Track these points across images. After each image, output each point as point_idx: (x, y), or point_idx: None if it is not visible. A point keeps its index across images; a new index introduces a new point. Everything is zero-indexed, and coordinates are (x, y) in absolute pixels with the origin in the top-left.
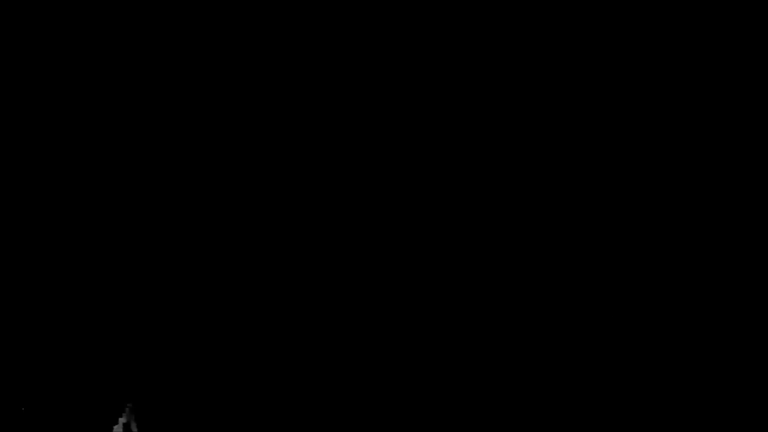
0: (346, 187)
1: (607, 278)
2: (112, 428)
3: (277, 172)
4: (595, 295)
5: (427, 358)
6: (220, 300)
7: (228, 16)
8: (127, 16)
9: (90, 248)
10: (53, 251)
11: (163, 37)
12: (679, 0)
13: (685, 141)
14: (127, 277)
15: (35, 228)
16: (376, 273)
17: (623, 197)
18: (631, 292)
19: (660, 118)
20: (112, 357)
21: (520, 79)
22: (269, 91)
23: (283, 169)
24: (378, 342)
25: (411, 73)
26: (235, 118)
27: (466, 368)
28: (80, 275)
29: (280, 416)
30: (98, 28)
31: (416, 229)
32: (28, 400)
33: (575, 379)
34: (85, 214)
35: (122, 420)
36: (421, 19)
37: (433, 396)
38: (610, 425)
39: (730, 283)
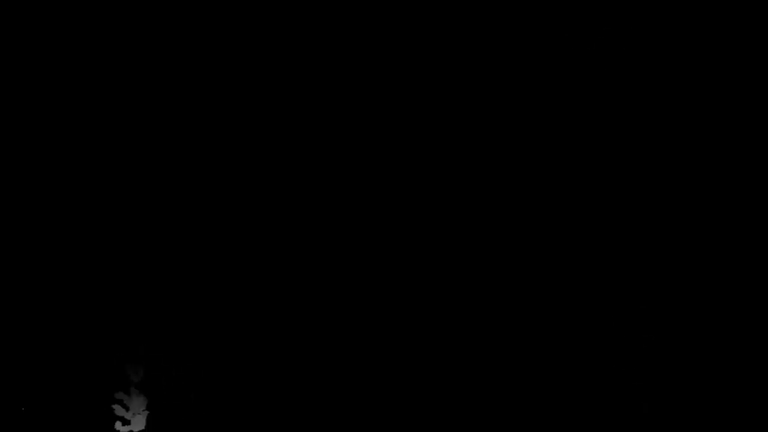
0: (346, 187)
1: (607, 278)
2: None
3: (278, 172)
4: (594, 295)
5: (426, 358)
6: (220, 300)
7: (228, 16)
8: (127, 16)
9: (90, 248)
10: (53, 251)
11: (163, 37)
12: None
13: (686, 141)
14: (126, 277)
15: (35, 228)
16: (376, 273)
17: (623, 197)
18: (630, 291)
19: (660, 119)
20: (111, 356)
21: (520, 79)
22: (269, 91)
23: (283, 169)
24: (378, 342)
25: (411, 73)
26: (235, 118)
27: (466, 368)
28: (80, 275)
29: (280, 416)
30: (98, 28)
31: (416, 228)
32: (28, 400)
33: (575, 379)
34: (85, 214)
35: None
36: (422, 19)
37: (433, 396)
38: (610, 425)
39: (730, 283)
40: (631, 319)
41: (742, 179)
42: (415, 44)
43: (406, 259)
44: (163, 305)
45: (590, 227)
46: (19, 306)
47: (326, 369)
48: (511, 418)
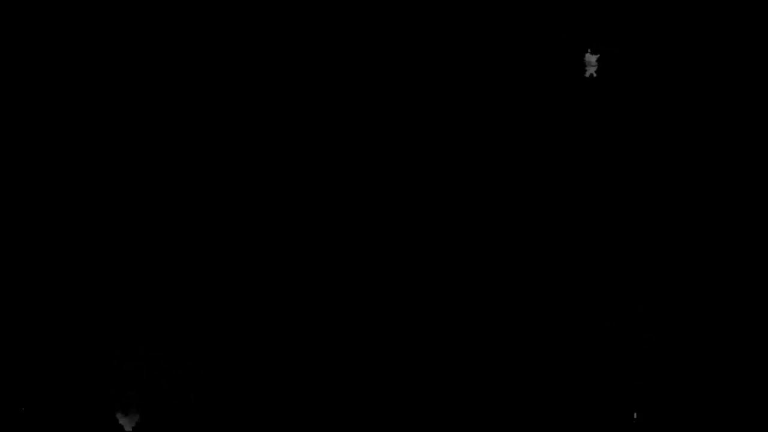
0: (346, 187)
1: (608, 278)
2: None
3: (278, 172)
4: (594, 296)
5: (426, 358)
6: (220, 300)
7: (228, 16)
8: (127, 16)
9: (89, 248)
10: (53, 251)
11: (163, 37)
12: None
13: (686, 141)
14: (126, 277)
15: (35, 228)
16: (376, 273)
17: (623, 197)
18: (631, 292)
19: (660, 119)
20: (111, 356)
21: (520, 79)
22: (269, 91)
23: (283, 169)
24: (378, 342)
25: (411, 73)
26: (235, 118)
27: (466, 368)
28: (80, 275)
29: (281, 416)
30: (98, 28)
31: (416, 229)
32: (28, 400)
33: (575, 379)
34: (84, 214)
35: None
36: (422, 19)
37: (433, 396)
38: (610, 425)
39: (730, 283)
40: (631, 319)
41: (742, 179)
42: (416, 44)
43: (406, 259)
44: (163, 305)
45: (590, 227)
46: (18, 306)
47: (326, 369)
48: (511, 418)
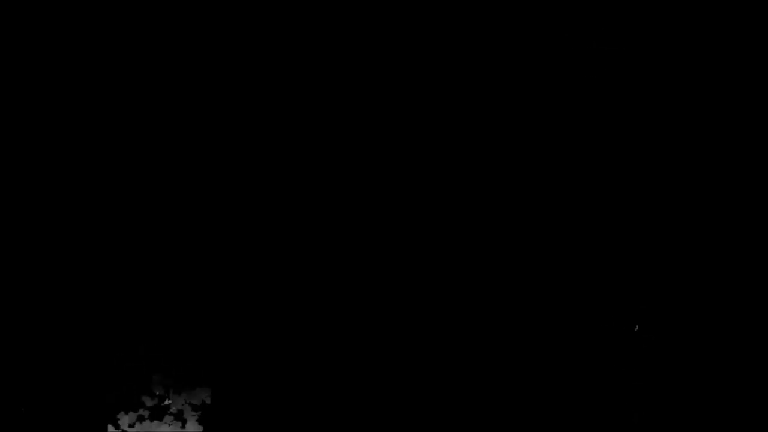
0: (346, 187)
1: (607, 278)
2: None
3: (278, 173)
4: (594, 295)
5: (426, 358)
6: (220, 300)
7: (228, 16)
8: (128, 16)
9: (90, 248)
10: (53, 251)
11: (164, 37)
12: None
13: (686, 141)
14: (125, 277)
15: (35, 228)
16: (376, 273)
17: (623, 197)
18: (630, 292)
19: (660, 119)
20: (111, 356)
21: (519, 79)
22: (269, 91)
23: (283, 169)
24: (378, 342)
25: (412, 73)
26: (235, 119)
27: (466, 368)
28: (80, 275)
29: (281, 416)
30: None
31: (415, 229)
32: (28, 400)
33: (575, 379)
34: (85, 214)
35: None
36: (422, 19)
37: (433, 396)
38: (610, 425)
39: (730, 283)
40: (631, 319)
41: (742, 179)
42: (416, 44)
43: (406, 260)
44: (163, 305)
45: (590, 227)
46: (19, 306)
47: (326, 369)
48: (512, 418)
